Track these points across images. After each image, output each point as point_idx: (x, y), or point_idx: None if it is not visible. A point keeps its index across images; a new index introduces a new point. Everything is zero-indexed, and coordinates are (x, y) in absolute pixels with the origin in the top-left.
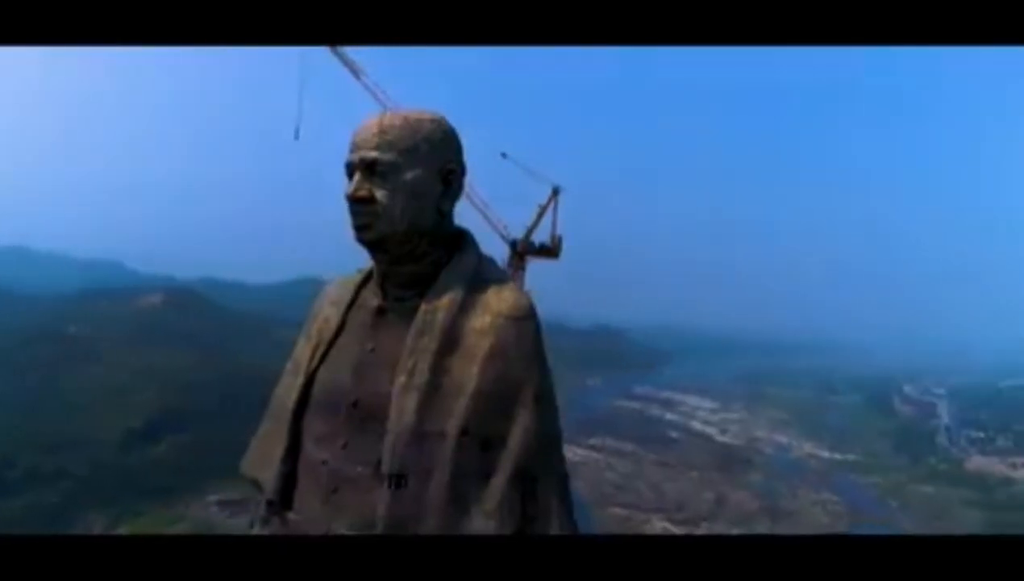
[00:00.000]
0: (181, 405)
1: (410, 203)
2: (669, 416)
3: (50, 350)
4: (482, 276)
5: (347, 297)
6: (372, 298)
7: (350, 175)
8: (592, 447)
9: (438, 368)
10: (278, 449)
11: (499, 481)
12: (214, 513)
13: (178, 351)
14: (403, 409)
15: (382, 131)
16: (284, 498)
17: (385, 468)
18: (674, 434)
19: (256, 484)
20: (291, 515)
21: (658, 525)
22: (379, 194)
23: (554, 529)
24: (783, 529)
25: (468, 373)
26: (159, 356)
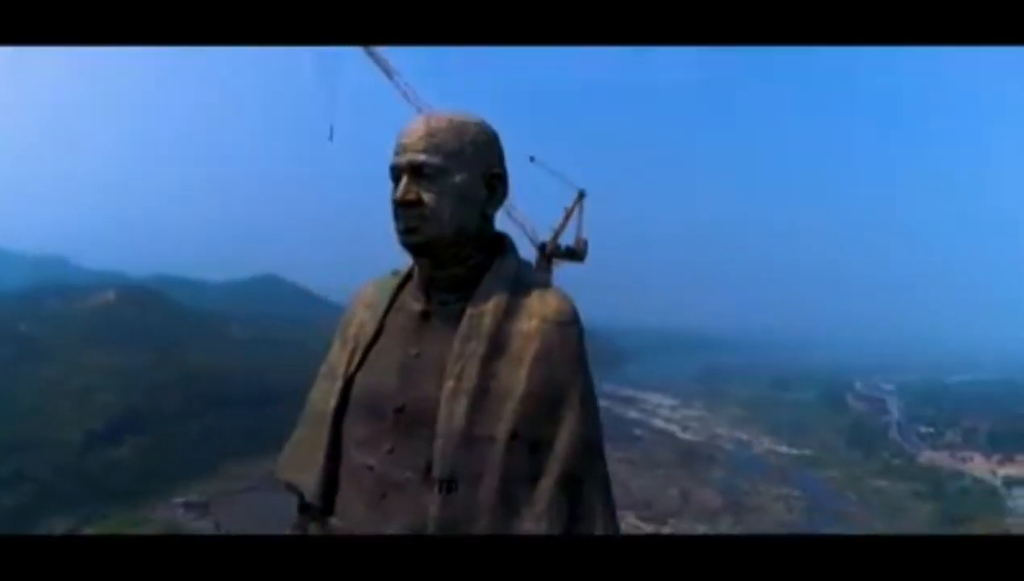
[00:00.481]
0: (142, 406)
1: (457, 207)
2: (632, 414)
3: (2, 350)
4: (524, 280)
5: (384, 300)
6: (413, 302)
7: (396, 178)
8: None
9: (486, 372)
10: (318, 454)
11: (547, 483)
12: (180, 515)
13: (136, 350)
14: (452, 413)
15: (429, 134)
16: (326, 503)
17: (436, 472)
18: (638, 431)
19: (292, 489)
20: (334, 520)
21: (629, 522)
22: (427, 197)
23: (598, 530)
24: (748, 524)
25: (516, 377)
26: (116, 355)
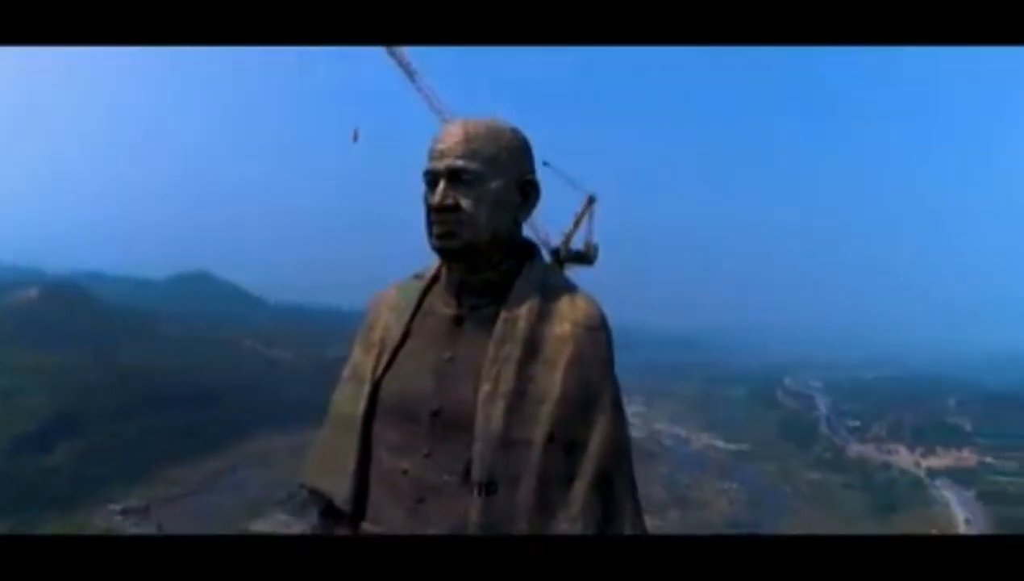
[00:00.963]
0: (74, 409)
1: (493, 213)
2: None
3: None
4: (551, 284)
5: (410, 304)
6: (443, 306)
7: (432, 183)
8: None
9: (522, 376)
10: (348, 459)
11: (582, 485)
12: (118, 522)
13: (65, 350)
14: (490, 417)
15: (467, 139)
16: (356, 509)
17: (476, 476)
18: None
19: (318, 495)
20: (366, 525)
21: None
22: (464, 203)
23: (627, 529)
24: (694, 518)
25: (551, 380)
26: (42, 355)
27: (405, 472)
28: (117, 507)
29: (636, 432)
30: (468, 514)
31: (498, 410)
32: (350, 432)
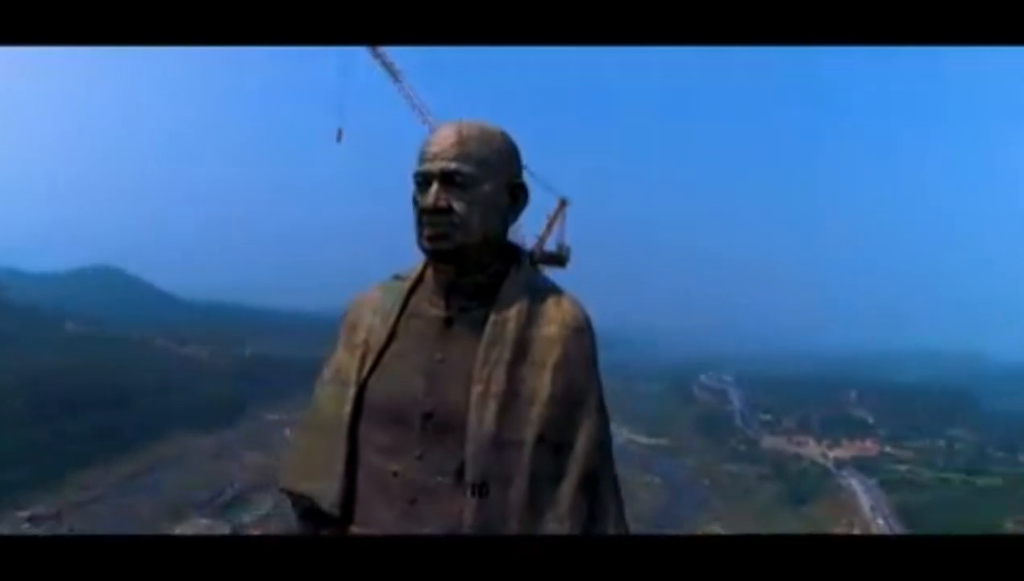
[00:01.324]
0: None
1: (485, 215)
2: None
3: None
4: (538, 287)
5: (395, 305)
6: (430, 308)
7: (424, 185)
8: None
9: (512, 377)
10: (335, 461)
11: (569, 485)
12: (27, 529)
13: None
14: (482, 418)
15: (460, 142)
16: (344, 512)
17: (469, 477)
18: None
19: (301, 499)
20: (356, 529)
21: None
22: (457, 205)
23: (611, 529)
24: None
25: (540, 382)
26: None
27: (396, 474)
28: (25, 513)
29: None
30: (462, 515)
31: (490, 412)
32: (335, 434)
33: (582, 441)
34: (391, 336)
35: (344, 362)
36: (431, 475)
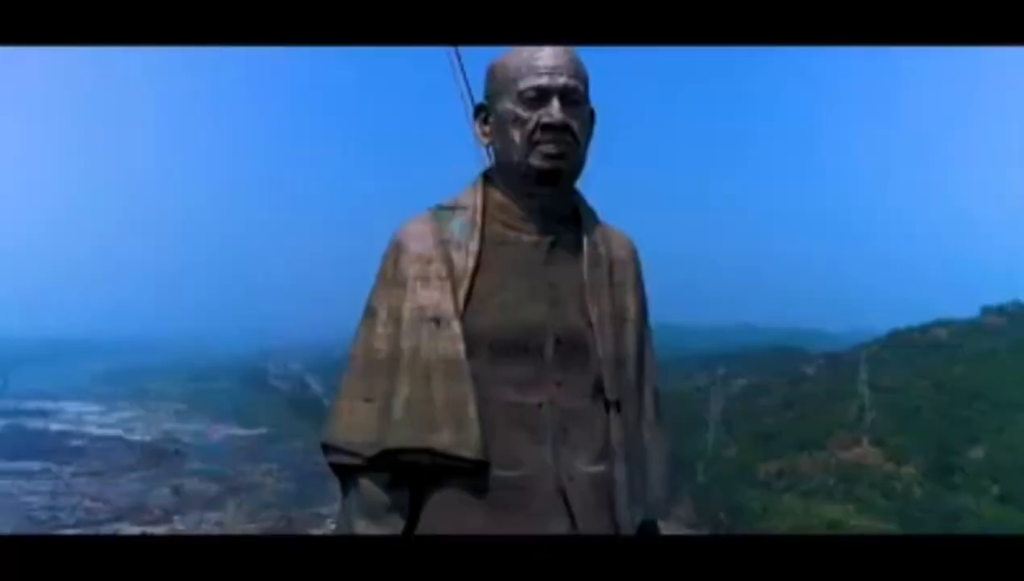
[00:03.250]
0: None
1: (586, 137)
2: (56, 426)
3: None
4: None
5: (470, 234)
6: (522, 234)
7: (538, 100)
8: None
9: (613, 298)
10: (465, 404)
11: (649, 393)
12: None
13: None
14: (605, 339)
15: (572, 59)
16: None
17: (610, 396)
18: (76, 442)
19: (434, 455)
20: (499, 472)
21: (133, 530)
22: (574, 124)
23: (647, 438)
24: (252, 503)
25: (628, 300)
26: None
27: (540, 405)
28: None
29: (146, 436)
30: (609, 434)
31: (608, 331)
32: (453, 377)
33: (647, 354)
34: (477, 266)
35: (430, 299)
36: (575, 399)
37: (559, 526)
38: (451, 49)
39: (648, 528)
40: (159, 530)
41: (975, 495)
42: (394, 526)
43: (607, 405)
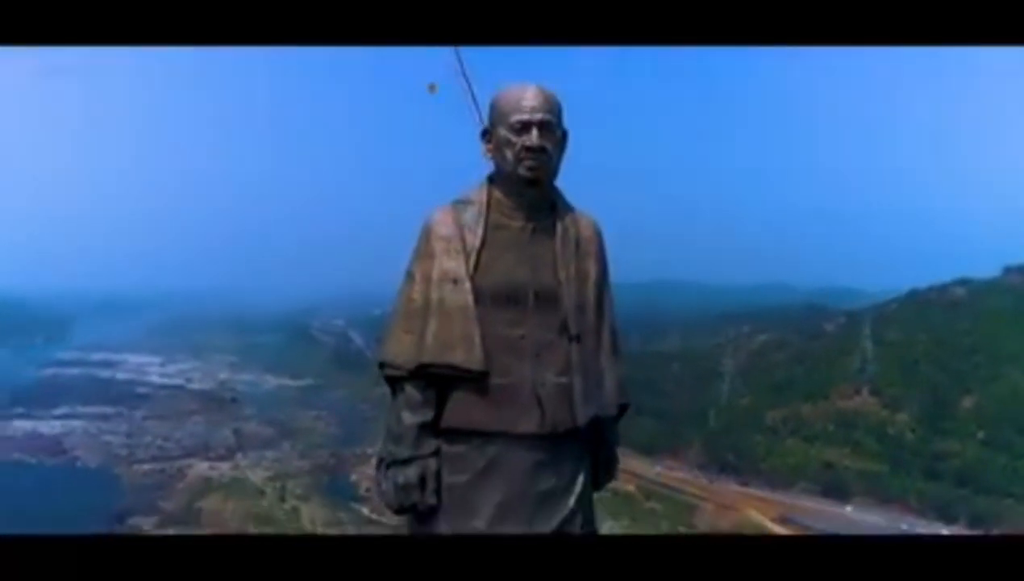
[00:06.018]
0: None
1: (558, 154)
2: (122, 375)
3: None
4: (568, 203)
5: (479, 220)
6: (511, 221)
7: (523, 130)
8: (68, 416)
9: (579, 264)
10: (472, 335)
11: (607, 333)
12: None
13: None
14: (570, 292)
15: (547, 98)
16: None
17: (572, 331)
18: (141, 390)
19: (445, 367)
20: (495, 380)
21: (202, 465)
22: (548, 147)
23: (604, 362)
24: (305, 443)
25: (588, 267)
26: None
27: (522, 337)
28: None
29: (204, 385)
30: (569, 356)
31: (573, 287)
32: (464, 317)
33: (606, 306)
34: (483, 244)
35: (451, 266)
36: (546, 333)
37: (534, 416)
38: (453, 49)
39: (597, 421)
40: (224, 466)
41: (960, 440)
42: (426, 415)
43: (570, 338)
